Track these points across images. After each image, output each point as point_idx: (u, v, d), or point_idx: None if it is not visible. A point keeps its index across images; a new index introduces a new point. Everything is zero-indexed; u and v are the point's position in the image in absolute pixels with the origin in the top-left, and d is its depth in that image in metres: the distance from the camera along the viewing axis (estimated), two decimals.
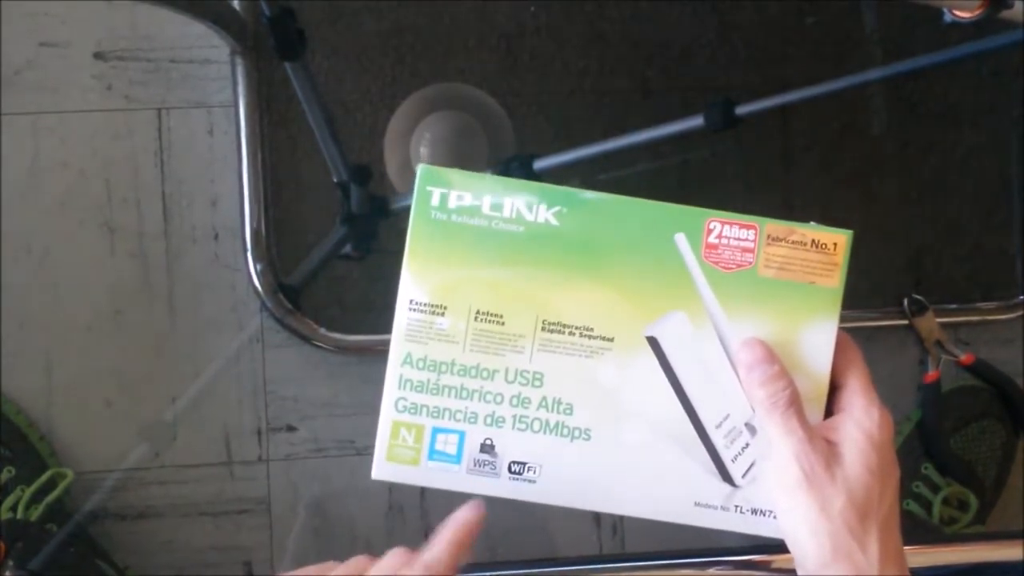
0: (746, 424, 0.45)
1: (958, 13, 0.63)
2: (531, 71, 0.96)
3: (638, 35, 0.97)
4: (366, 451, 0.95)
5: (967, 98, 1.00)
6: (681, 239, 0.44)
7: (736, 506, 0.45)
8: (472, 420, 0.44)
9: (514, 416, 0.44)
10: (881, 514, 0.42)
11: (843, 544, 0.40)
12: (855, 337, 1.02)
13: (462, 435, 0.44)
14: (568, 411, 0.44)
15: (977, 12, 0.62)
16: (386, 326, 0.94)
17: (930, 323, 0.90)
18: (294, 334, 0.92)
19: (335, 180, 0.92)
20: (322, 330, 0.92)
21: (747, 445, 0.45)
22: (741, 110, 0.82)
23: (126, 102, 0.92)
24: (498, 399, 0.44)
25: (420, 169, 0.44)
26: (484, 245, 0.44)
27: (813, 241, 0.45)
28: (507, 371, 0.44)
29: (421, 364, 0.45)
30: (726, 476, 0.45)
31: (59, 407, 0.92)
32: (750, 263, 0.45)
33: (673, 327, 0.44)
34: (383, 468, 0.45)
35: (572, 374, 0.44)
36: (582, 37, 0.96)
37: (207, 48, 0.92)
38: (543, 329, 0.44)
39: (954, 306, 0.98)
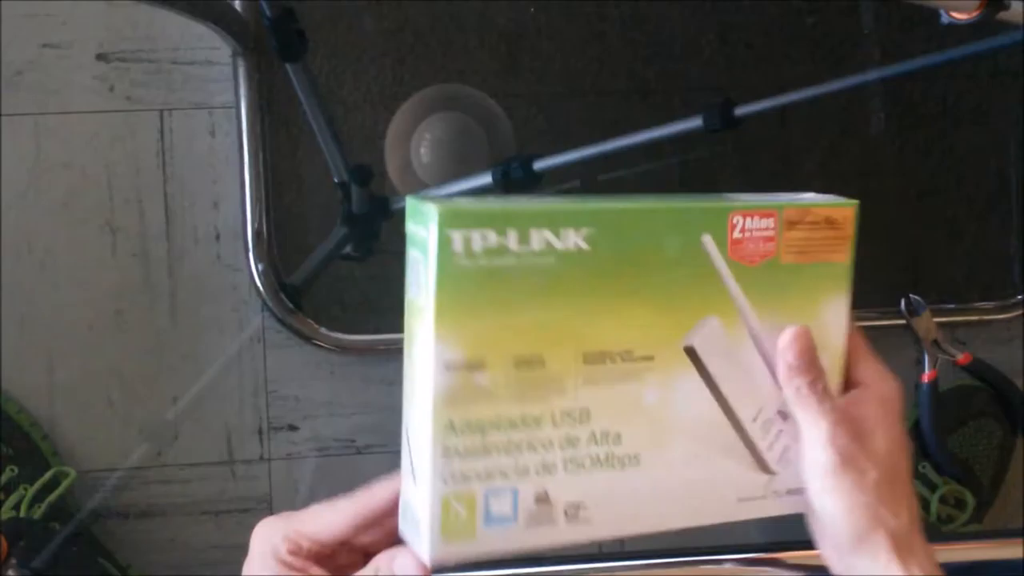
0: (778, 411, 0.45)
1: (955, 14, 0.63)
2: (531, 71, 0.96)
3: (638, 35, 0.97)
4: (367, 450, 0.96)
5: (966, 98, 1.00)
6: (708, 241, 0.42)
7: (774, 491, 0.45)
8: (524, 473, 0.41)
9: (564, 459, 0.41)
10: (907, 482, 0.44)
11: (880, 515, 0.42)
12: None
13: (515, 492, 0.41)
14: (617, 441, 0.42)
15: (975, 13, 0.62)
16: (387, 326, 0.95)
17: (928, 323, 0.91)
18: (295, 334, 0.93)
19: (336, 180, 0.92)
20: (323, 330, 0.93)
21: (780, 432, 0.45)
22: (740, 111, 0.82)
23: (128, 103, 0.92)
24: (547, 445, 0.41)
25: (436, 212, 0.38)
26: (516, 285, 0.39)
27: (827, 218, 0.44)
28: (553, 415, 0.41)
29: (465, 428, 0.39)
30: (764, 466, 0.45)
31: (61, 406, 0.93)
32: (773, 252, 0.43)
33: (708, 333, 0.43)
34: (440, 550, 0.40)
35: (617, 401, 0.42)
36: (582, 37, 0.96)
37: (209, 49, 0.93)
38: (585, 362, 0.41)
39: (952, 306, 0.98)
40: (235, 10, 0.89)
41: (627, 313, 0.42)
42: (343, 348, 0.93)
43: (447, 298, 0.39)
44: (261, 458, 0.95)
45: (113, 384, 0.93)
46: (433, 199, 0.40)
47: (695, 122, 0.83)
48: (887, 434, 0.44)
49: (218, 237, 0.94)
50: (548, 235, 0.40)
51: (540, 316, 0.40)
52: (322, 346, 0.93)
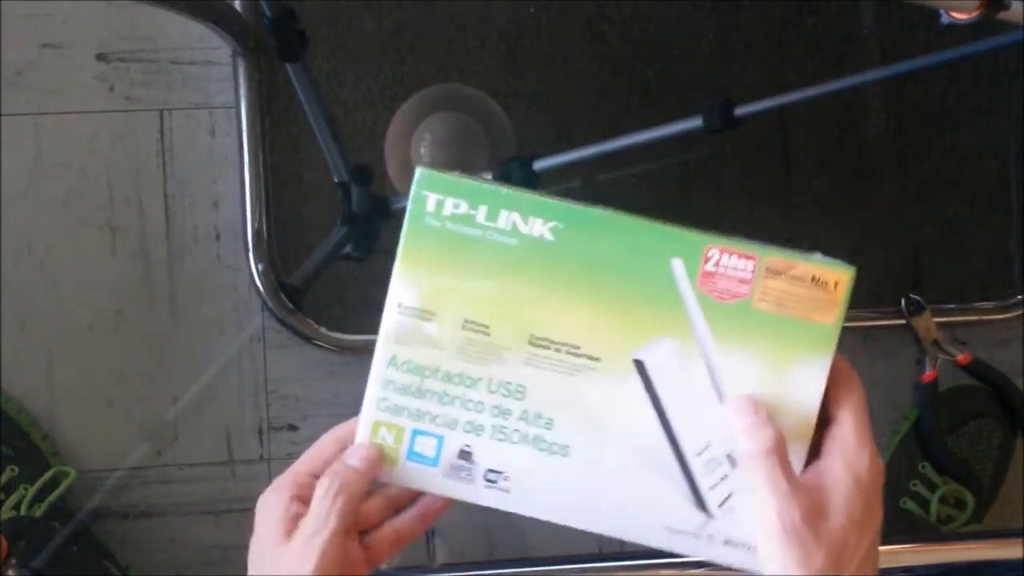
0: (727, 455, 0.44)
1: (955, 15, 0.63)
2: (531, 71, 0.96)
3: (638, 35, 0.97)
4: None
5: (966, 98, 1.00)
6: (678, 265, 0.43)
7: (708, 535, 0.44)
8: (452, 426, 0.45)
9: (493, 426, 0.44)
10: (857, 559, 0.42)
11: None
12: (853, 337, 1.02)
13: (441, 439, 0.45)
14: (548, 426, 0.44)
15: (975, 13, 0.62)
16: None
17: (928, 323, 0.91)
18: (295, 334, 0.93)
19: (336, 180, 0.92)
20: (323, 330, 0.93)
21: (725, 476, 0.44)
22: (740, 111, 0.82)
23: (128, 103, 0.92)
24: (479, 407, 0.44)
25: (418, 173, 0.44)
26: (476, 255, 0.43)
27: (814, 277, 0.43)
28: (490, 381, 0.44)
29: (406, 367, 0.45)
30: (701, 504, 0.44)
31: (61, 406, 0.93)
32: (746, 295, 0.43)
33: (662, 353, 0.43)
34: None
35: (555, 390, 0.44)
36: (582, 37, 0.97)
37: (209, 49, 0.93)
38: (529, 343, 0.44)
39: (952, 306, 0.98)
40: (235, 10, 0.89)
41: (581, 310, 0.43)
42: (343, 348, 0.93)
43: (412, 249, 0.44)
44: (261, 458, 0.95)
45: (113, 384, 0.93)
46: (433, 167, 0.44)
47: (695, 122, 0.83)
48: (846, 514, 0.42)
49: (218, 237, 0.94)
50: (516, 218, 0.43)
51: (494, 289, 0.44)
52: (322, 346, 0.93)
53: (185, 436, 0.94)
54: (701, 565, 0.68)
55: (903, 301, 0.91)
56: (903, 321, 0.91)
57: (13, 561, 0.81)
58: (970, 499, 0.91)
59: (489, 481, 0.45)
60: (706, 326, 0.43)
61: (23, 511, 0.86)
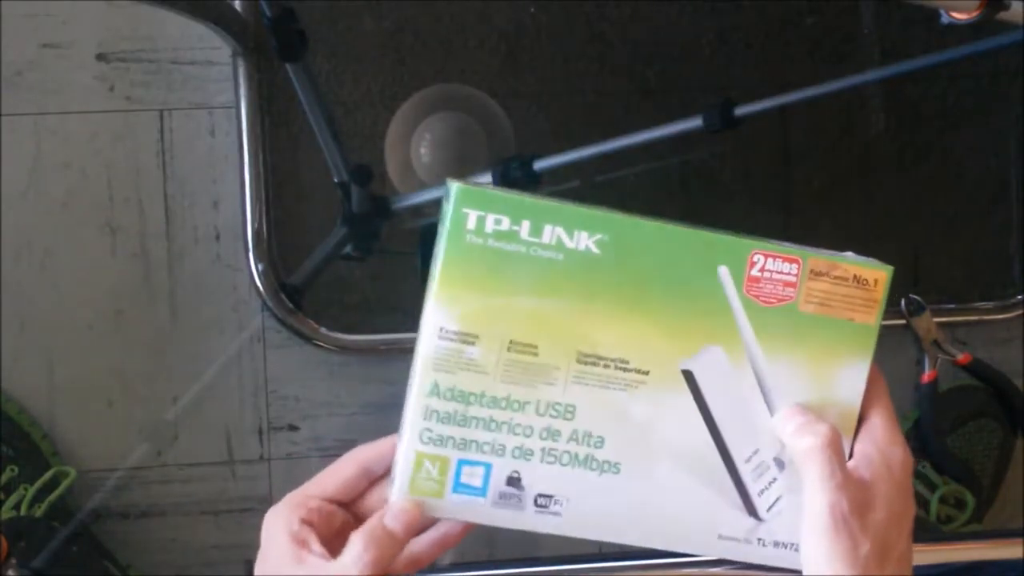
0: (774, 459, 0.44)
1: (955, 14, 0.63)
2: (531, 71, 0.96)
3: (638, 35, 0.97)
4: None
5: (966, 98, 1.00)
6: (725, 273, 0.43)
7: (759, 539, 0.44)
8: (500, 453, 0.43)
9: (543, 449, 0.43)
10: (898, 551, 0.43)
11: None
12: None
13: (488, 467, 0.43)
14: (599, 444, 0.43)
15: (975, 13, 0.62)
16: (387, 326, 0.95)
17: (927, 323, 0.91)
18: (295, 334, 0.93)
19: (336, 180, 0.92)
20: (323, 330, 0.93)
21: (774, 480, 0.44)
22: (740, 111, 0.82)
23: (128, 103, 0.92)
24: (527, 431, 0.43)
25: (455, 189, 0.41)
26: (521, 272, 0.41)
27: (855, 276, 0.44)
28: (538, 403, 0.42)
29: (448, 394, 0.42)
30: (752, 510, 0.44)
31: (61, 406, 0.93)
32: (791, 298, 0.43)
33: (710, 362, 0.43)
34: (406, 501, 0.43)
35: (605, 407, 0.43)
36: (582, 37, 0.96)
37: (209, 49, 0.93)
38: (578, 361, 0.42)
39: (952, 306, 0.98)
40: (235, 10, 0.89)
41: (628, 324, 0.42)
42: (343, 348, 0.93)
43: (452, 269, 0.41)
44: (261, 458, 0.95)
45: (113, 384, 0.93)
46: (465, 181, 0.42)
47: (695, 122, 0.83)
48: (889, 508, 0.43)
49: (218, 237, 0.94)
50: (560, 232, 0.42)
51: (540, 307, 0.42)
52: (322, 346, 0.93)
53: (185, 436, 0.94)
54: (704, 564, 0.68)
55: (903, 301, 0.91)
56: (903, 321, 0.91)
57: (13, 561, 0.81)
58: (970, 499, 0.91)
59: (540, 506, 0.43)
60: (752, 333, 0.43)
61: (23, 511, 0.86)
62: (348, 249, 0.94)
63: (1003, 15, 0.61)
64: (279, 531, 0.43)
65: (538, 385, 0.42)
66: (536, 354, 0.42)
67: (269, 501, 0.95)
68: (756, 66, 0.98)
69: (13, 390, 0.92)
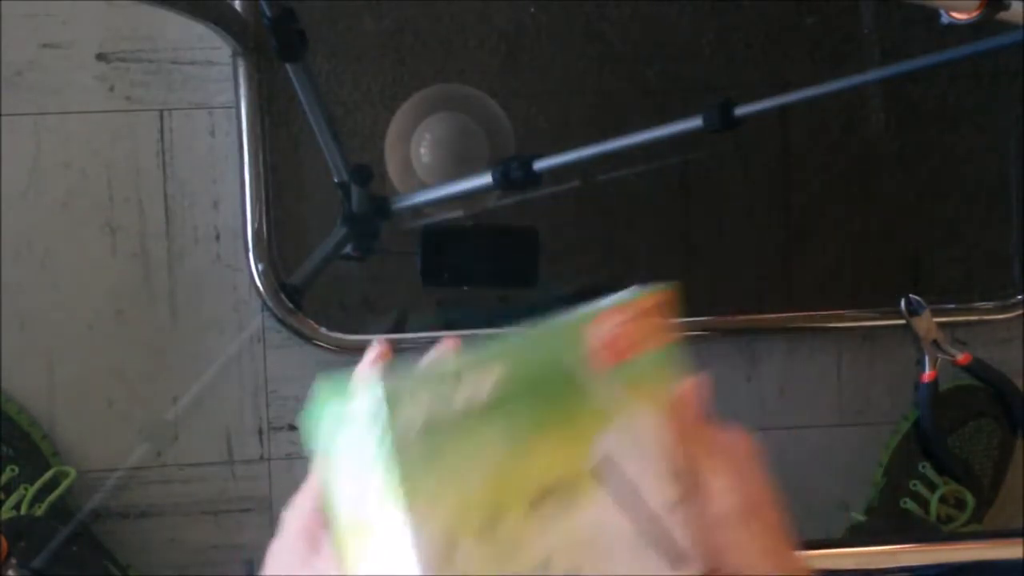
0: (678, 496, 0.44)
1: (955, 15, 0.63)
2: (531, 71, 0.96)
3: (638, 35, 0.97)
4: None
5: (966, 99, 1.00)
6: (568, 359, 0.42)
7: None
8: None
9: None
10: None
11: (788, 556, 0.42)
12: (853, 337, 1.02)
13: None
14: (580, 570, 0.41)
15: (975, 14, 0.62)
16: (387, 326, 0.94)
17: (927, 323, 0.91)
18: (295, 334, 0.93)
19: (336, 180, 0.92)
20: (323, 330, 0.93)
21: (684, 515, 0.43)
22: (740, 111, 0.82)
23: (128, 103, 0.92)
24: None
25: (374, 396, 0.37)
26: (450, 448, 0.38)
27: (648, 309, 0.43)
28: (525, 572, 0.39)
29: None
30: (680, 554, 0.44)
31: (61, 406, 0.93)
32: (622, 353, 0.42)
33: (609, 447, 0.41)
34: None
35: (567, 537, 0.40)
36: (582, 37, 0.97)
37: (209, 49, 0.93)
38: (532, 509, 0.40)
39: (952, 306, 0.98)
40: (235, 10, 0.89)
41: (541, 453, 0.40)
42: (343, 348, 0.93)
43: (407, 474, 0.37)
44: (261, 458, 0.95)
45: (113, 384, 0.93)
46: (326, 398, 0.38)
47: (695, 122, 0.83)
48: (750, 482, 0.42)
49: (218, 237, 0.94)
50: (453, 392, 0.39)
51: (483, 484, 0.39)
52: (322, 346, 0.93)
53: (185, 436, 0.94)
54: None
55: (903, 301, 0.91)
56: (903, 321, 0.91)
57: (13, 561, 0.81)
58: (970, 499, 0.91)
59: None
60: (615, 397, 0.43)
61: (23, 511, 0.86)
62: (348, 249, 0.94)
63: (1003, 15, 0.61)
64: (294, 519, 0.43)
65: (518, 555, 0.39)
66: (497, 529, 0.39)
67: (269, 501, 0.95)
68: (756, 66, 0.98)
69: (13, 390, 0.92)
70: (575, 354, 0.42)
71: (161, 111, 0.93)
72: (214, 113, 0.93)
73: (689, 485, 0.42)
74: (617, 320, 0.43)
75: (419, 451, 0.37)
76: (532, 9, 0.96)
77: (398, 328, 0.97)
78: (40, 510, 0.86)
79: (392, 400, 0.37)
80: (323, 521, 0.42)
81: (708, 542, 0.43)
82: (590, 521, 0.41)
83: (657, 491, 0.43)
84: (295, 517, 0.43)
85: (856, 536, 0.93)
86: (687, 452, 0.42)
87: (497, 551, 0.39)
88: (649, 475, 0.43)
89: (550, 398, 0.41)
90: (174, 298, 0.93)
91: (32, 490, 0.87)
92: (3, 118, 0.91)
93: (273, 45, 0.81)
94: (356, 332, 0.94)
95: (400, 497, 0.37)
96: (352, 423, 0.38)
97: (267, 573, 0.43)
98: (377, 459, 0.37)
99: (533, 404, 0.41)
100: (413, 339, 0.95)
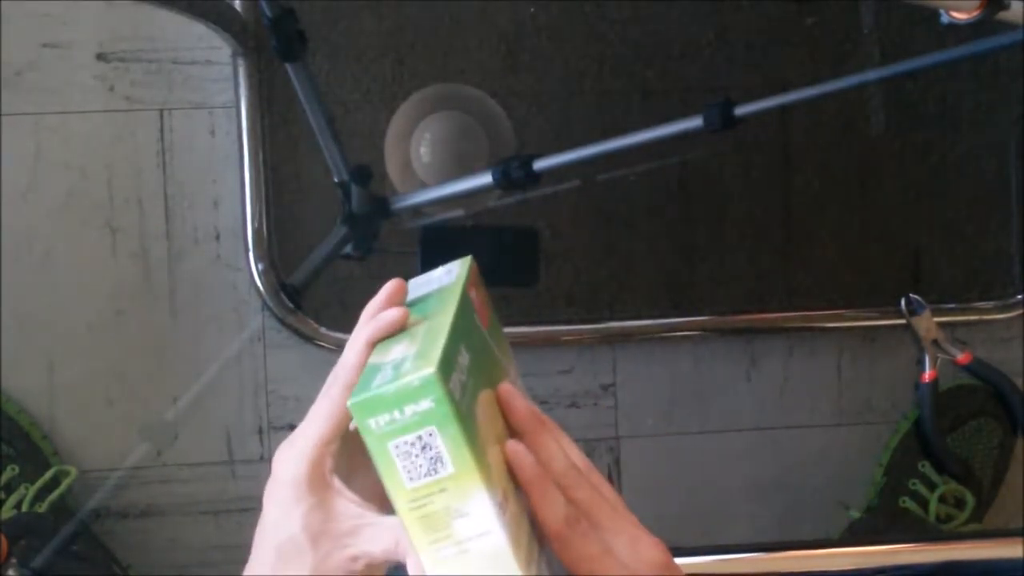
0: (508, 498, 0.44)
1: (955, 14, 0.63)
2: (531, 71, 0.96)
3: (638, 35, 0.97)
4: None
5: (966, 99, 1.00)
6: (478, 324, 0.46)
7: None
8: None
9: None
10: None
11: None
12: (854, 337, 1.02)
13: None
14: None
15: (975, 13, 0.62)
16: None
17: (928, 322, 0.91)
18: (295, 334, 0.93)
19: (336, 180, 0.92)
20: (323, 330, 0.93)
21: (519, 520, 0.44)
22: (740, 110, 0.82)
23: (128, 103, 0.93)
24: None
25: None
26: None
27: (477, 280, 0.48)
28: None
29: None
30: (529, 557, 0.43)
31: (61, 406, 0.93)
32: (483, 320, 0.48)
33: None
34: None
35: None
36: (582, 37, 0.97)
37: (208, 49, 0.93)
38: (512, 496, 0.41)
39: (952, 305, 0.98)
40: (235, 10, 0.89)
41: (491, 398, 0.44)
42: (343, 348, 0.93)
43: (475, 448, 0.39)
44: (261, 458, 0.95)
45: (113, 384, 0.93)
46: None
47: (695, 122, 0.83)
48: None
49: (218, 237, 0.94)
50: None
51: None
52: (322, 346, 0.93)
53: (185, 436, 0.94)
54: (706, 564, 0.68)
55: (903, 301, 0.91)
56: (903, 321, 0.91)
57: (13, 561, 0.81)
58: (970, 499, 0.92)
59: None
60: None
61: (24, 510, 0.86)
62: (348, 249, 0.94)
63: (1003, 15, 0.62)
64: (290, 478, 0.44)
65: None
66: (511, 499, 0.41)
67: None
68: (756, 66, 0.98)
69: (13, 389, 0.92)
70: (474, 316, 0.46)
71: (161, 111, 0.93)
72: (214, 113, 0.93)
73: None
74: (473, 288, 0.47)
75: (467, 418, 0.39)
76: (532, 9, 0.96)
77: None
78: (41, 509, 0.86)
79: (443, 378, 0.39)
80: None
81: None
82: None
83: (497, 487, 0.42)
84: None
85: (854, 533, 0.93)
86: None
87: (521, 509, 0.41)
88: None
89: (489, 360, 0.45)
90: (174, 298, 0.93)
91: (33, 489, 0.87)
92: (3, 118, 0.91)
93: (273, 45, 0.81)
94: None
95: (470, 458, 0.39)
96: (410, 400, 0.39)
97: None
98: (444, 428, 0.39)
99: (486, 367, 0.45)
100: None
